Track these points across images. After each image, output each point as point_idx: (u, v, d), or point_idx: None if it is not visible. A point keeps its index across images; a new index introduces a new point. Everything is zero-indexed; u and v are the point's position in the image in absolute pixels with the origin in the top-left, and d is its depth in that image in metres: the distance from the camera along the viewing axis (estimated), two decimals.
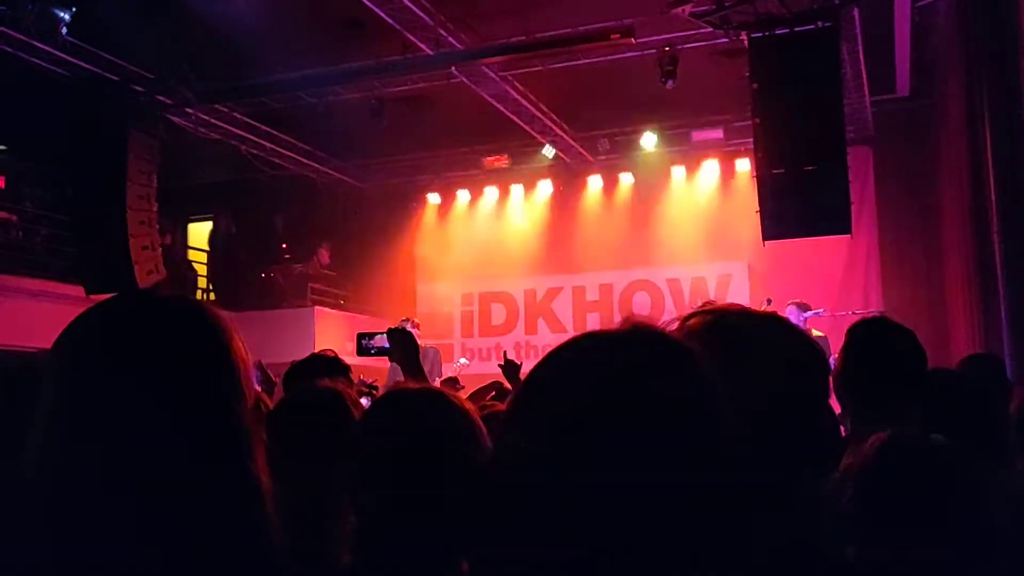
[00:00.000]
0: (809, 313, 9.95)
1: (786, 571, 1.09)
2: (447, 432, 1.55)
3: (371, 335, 3.86)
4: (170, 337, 1.11)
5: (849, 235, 9.32)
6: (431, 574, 1.48)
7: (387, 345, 3.64)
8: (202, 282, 14.90)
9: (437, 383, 10.05)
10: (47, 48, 9.93)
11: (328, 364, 3.43)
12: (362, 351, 3.84)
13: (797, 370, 1.19)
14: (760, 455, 1.00)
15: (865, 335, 2.72)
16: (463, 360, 11.43)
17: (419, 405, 1.62)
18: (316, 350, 5.14)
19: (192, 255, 15.27)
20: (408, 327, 11.02)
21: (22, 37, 9.62)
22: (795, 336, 1.25)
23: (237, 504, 1.08)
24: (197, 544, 1.03)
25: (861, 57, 10.13)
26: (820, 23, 8.05)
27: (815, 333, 9.64)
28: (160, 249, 11.39)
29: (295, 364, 3.49)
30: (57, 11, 9.23)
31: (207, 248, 15.54)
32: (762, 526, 0.99)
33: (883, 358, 2.62)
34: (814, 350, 1.24)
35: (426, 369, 10.27)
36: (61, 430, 1.06)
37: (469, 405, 1.64)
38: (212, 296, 14.75)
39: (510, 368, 4.91)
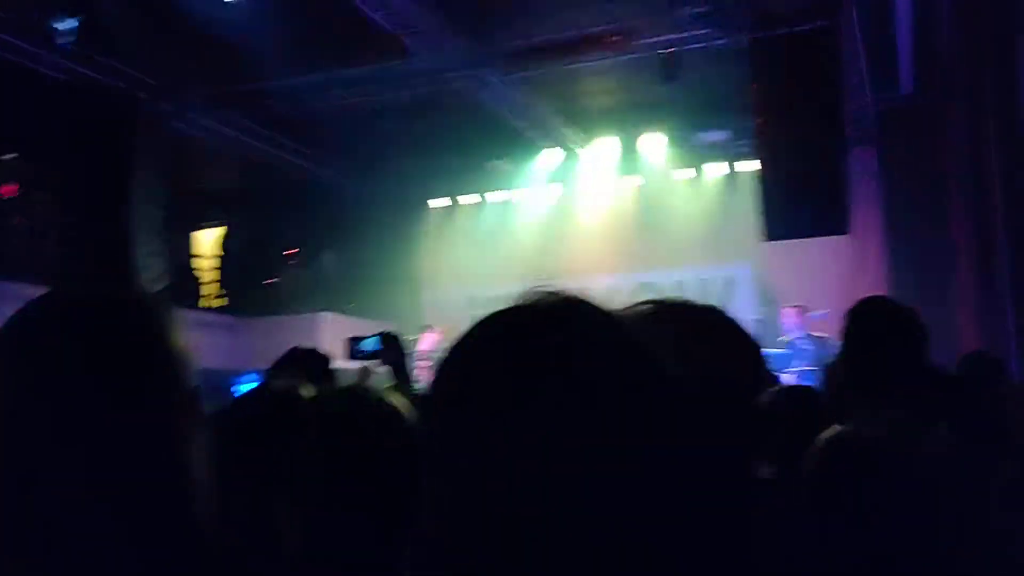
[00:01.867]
0: (816, 315, 9.92)
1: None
2: (380, 430, 1.55)
3: (360, 339, 3.85)
4: (97, 330, 1.11)
5: (856, 237, 9.31)
6: (377, 569, 1.48)
7: (377, 348, 3.64)
8: (209, 288, 14.93)
9: None
10: (53, 56, 10.01)
11: (309, 358, 3.43)
12: (353, 355, 3.83)
13: (732, 349, 1.19)
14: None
15: (865, 313, 2.68)
16: None
17: (356, 404, 1.62)
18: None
19: (198, 261, 15.30)
20: (429, 333, 11.09)
21: (28, 46, 9.69)
22: (732, 322, 1.25)
23: (169, 493, 1.08)
24: (129, 532, 1.03)
25: (863, 55, 10.08)
26: (819, 22, 8.03)
27: (818, 335, 9.61)
28: (166, 255, 11.46)
29: (276, 362, 3.49)
30: (62, 19, 9.28)
31: (213, 254, 15.60)
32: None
33: (883, 335, 2.58)
34: (750, 338, 1.24)
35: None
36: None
37: (400, 402, 1.64)
38: (220, 302, 14.80)
39: None
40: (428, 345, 11.08)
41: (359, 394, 1.66)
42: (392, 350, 3.61)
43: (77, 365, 1.07)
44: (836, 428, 1.50)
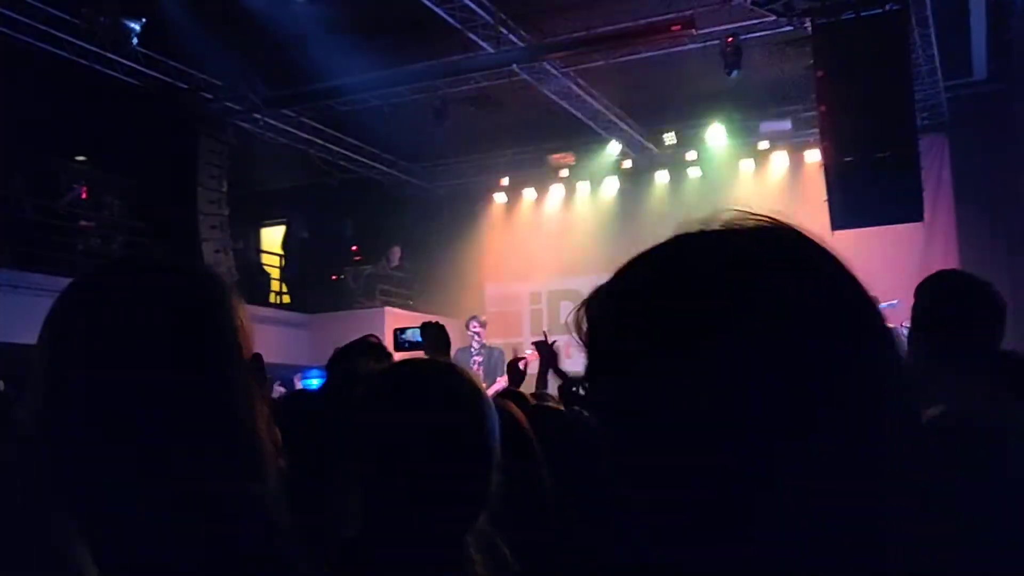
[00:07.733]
0: (884, 304, 9.71)
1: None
2: (448, 404, 1.49)
3: (405, 330, 3.86)
4: (155, 299, 1.10)
5: (925, 224, 9.06)
6: (435, 549, 1.44)
7: (419, 339, 3.64)
8: (275, 285, 15.13)
9: (498, 384, 10.02)
10: (119, 59, 10.21)
11: (371, 349, 3.43)
12: (398, 346, 3.84)
13: None
14: None
15: (934, 287, 2.54)
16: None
17: (419, 377, 1.56)
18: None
19: (265, 259, 15.52)
20: (474, 325, 11.02)
21: (96, 49, 9.90)
22: None
23: (237, 458, 1.07)
24: (195, 499, 1.02)
25: (934, 40, 9.82)
26: (888, 6, 7.81)
27: None
28: (232, 253, 11.64)
29: (339, 349, 3.50)
30: (127, 22, 9.45)
31: (280, 252, 15.80)
32: None
33: (954, 309, 2.41)
34: None
35: (487, 368, 10.07)
36: (54, 400, 1.05)
37: (474, 376, 1.57)
38: (286, 299, 14.99)
39: (543, 347, 4.90)
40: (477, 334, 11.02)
41: (433, 367, 1.59)
42: (435, 339, 3.60)
43: (143, 323, 1.07)
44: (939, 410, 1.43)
